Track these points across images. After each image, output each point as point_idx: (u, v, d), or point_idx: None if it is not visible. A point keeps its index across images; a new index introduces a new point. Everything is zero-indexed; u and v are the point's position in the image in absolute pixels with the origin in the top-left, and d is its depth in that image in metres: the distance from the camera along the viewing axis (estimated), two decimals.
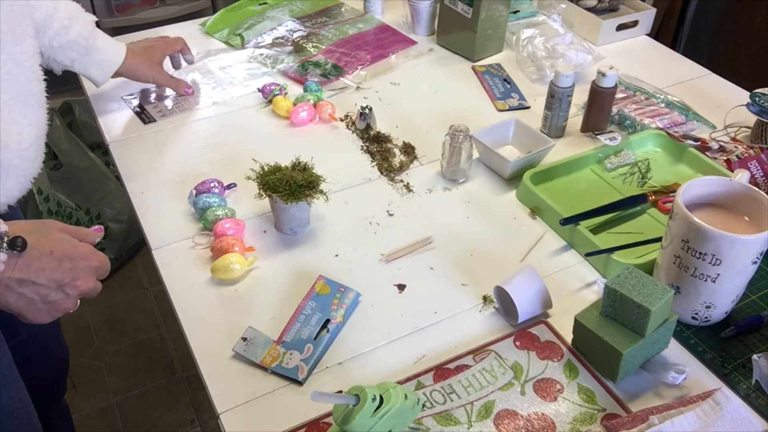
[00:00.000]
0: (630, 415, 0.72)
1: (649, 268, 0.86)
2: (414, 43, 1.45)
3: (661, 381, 0.76)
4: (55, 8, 1.01)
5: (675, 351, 0.81)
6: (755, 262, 0.76)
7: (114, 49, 1.14)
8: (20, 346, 1.06)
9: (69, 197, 1.95)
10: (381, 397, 0.65)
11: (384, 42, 1.45)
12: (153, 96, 1.27)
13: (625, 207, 1.00)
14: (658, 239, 0.88)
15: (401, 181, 1.08)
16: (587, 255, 0.93)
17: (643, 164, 1.09)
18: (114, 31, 1.40)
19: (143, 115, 1.22)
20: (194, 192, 1.01)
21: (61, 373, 1.25)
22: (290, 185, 0.91)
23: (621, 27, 1.45)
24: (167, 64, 1.28)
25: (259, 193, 0.93)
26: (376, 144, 1.15)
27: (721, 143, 1.12)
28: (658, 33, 2.21)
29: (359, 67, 1.36)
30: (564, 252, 0.96)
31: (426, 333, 0.84)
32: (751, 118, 1.16)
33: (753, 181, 1.02)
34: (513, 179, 1.07)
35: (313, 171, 0.95)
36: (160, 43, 1.25)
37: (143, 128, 1.19)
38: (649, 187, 1.05)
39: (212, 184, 1.01)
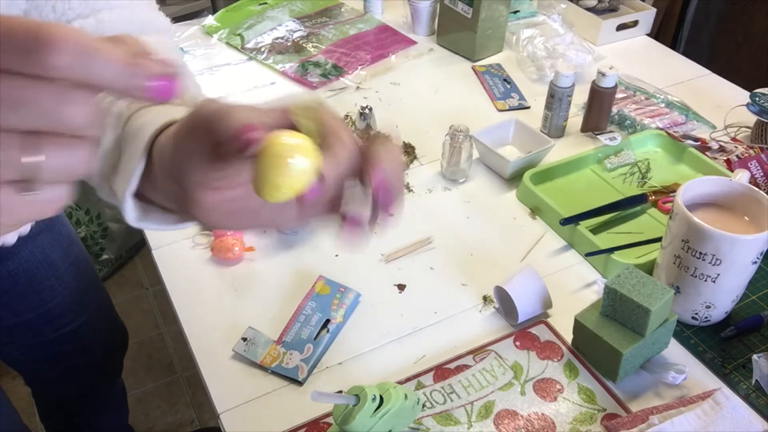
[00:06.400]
0: (630, 415, 0.72)
1: (649, 268, 0.86)
2: (414, 43, 1.45)
3: (661, 381, 0.76)
4: None
5: (675, 351, 0.81)
6: (755, 262, 0.76)
7: None
8: (68, 335, 1.08)
9: None
10: (381, 397, 0.65)
11: (384, 42, 1.45)
12: None
13: (625, 207, 1.00)
14: (658, 239, 0.88)
15: None
16: (587, 255, 0.93)
17: (643, 164, 1.09)
18: None
19: None
20: None
21: (116, 355, 1.26)
22: None
23: (621, 27, 1.45)
24: None
25: None
26: None
27: (721, 143, 1.12)
28: (658, 33, 2.21)
29: (359, 67, 1.36)
30: (564, 252, 0.96)
31: (426, 333, 0.84)
32: (751, 118, 1.15)
33: (753, 181, 1.01)
34: (513, 179, 1.07)
35: None
36: None
37: None
38: (649, 187, 1.05)
39: None
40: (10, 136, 0.28)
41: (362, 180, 0.39)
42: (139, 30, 0.64)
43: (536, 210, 1.02)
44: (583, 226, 0.95)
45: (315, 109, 0.39)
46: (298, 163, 0.34)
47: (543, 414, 0.74)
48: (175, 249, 0.96)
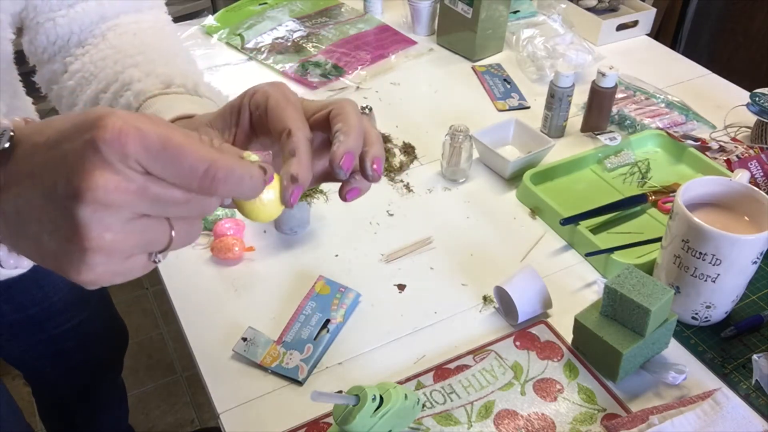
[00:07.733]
0: (630, 415, 0.72)
1: (649, 268, 0.86)
2: (414, 43, 1.45)
3: (661, 381, 0.76)
4: None
5: (675, 351, 0.81)
6: (755, 262, 0.76)
7: None
8: (69, 331, 1.08)
9: None
10: (381, 397, 0.65)
11: (384, 42, 1.45)
12: None
13: (625, 207, 1.00)
14: (658, 239, 0.88)
15: (401, 181, 1.08)
16: (587, 255, 0.93)
17: (643, 164, 1.09)
18: None
19: None
20: None
21: (116, 353, 1.27)
22: None
23: (621, 27, 1.45)
24: None
25: None
26: None
27: (721, 143, 1.12)
28: (658, 33, 2.21)
29: (359, 67, 1.36)
30: (564, 252, 0.96)
31: (426, 333, 0.84)
32: (751, 118, 1.15)
33: (753, 181, 1.01)
34: (513, 179, 1.07)
35: None
36: None
37: None
38: (649, 187, 1.05)
39: None
40: (163, 222, 0.37)
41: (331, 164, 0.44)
42: (135, 7, 0.67)
43: (536, 210, 1.02)
44: (583, 226, 0.95)
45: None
46: (263, 197, 0.41)
47: (543, 414, 0.74)
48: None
